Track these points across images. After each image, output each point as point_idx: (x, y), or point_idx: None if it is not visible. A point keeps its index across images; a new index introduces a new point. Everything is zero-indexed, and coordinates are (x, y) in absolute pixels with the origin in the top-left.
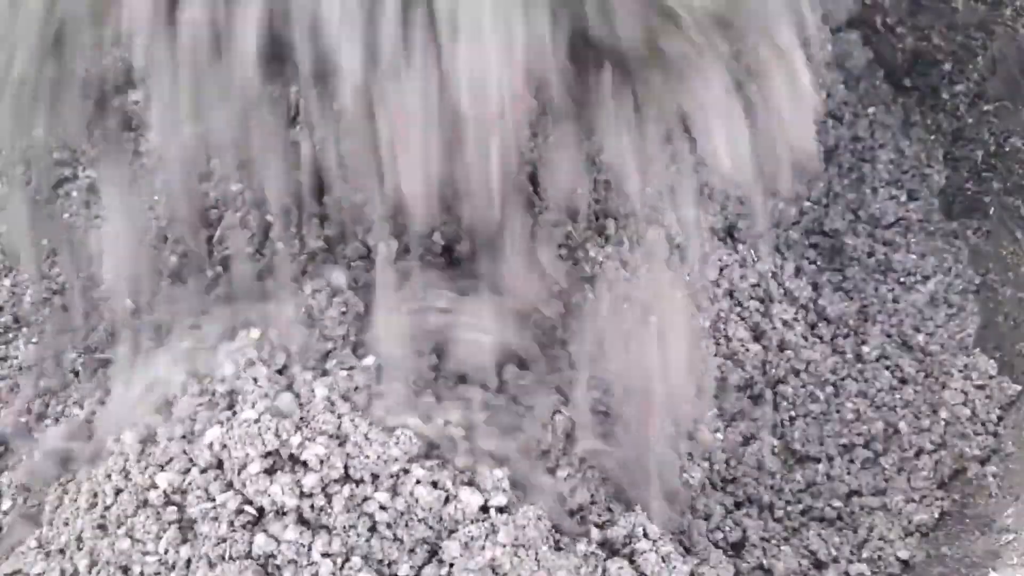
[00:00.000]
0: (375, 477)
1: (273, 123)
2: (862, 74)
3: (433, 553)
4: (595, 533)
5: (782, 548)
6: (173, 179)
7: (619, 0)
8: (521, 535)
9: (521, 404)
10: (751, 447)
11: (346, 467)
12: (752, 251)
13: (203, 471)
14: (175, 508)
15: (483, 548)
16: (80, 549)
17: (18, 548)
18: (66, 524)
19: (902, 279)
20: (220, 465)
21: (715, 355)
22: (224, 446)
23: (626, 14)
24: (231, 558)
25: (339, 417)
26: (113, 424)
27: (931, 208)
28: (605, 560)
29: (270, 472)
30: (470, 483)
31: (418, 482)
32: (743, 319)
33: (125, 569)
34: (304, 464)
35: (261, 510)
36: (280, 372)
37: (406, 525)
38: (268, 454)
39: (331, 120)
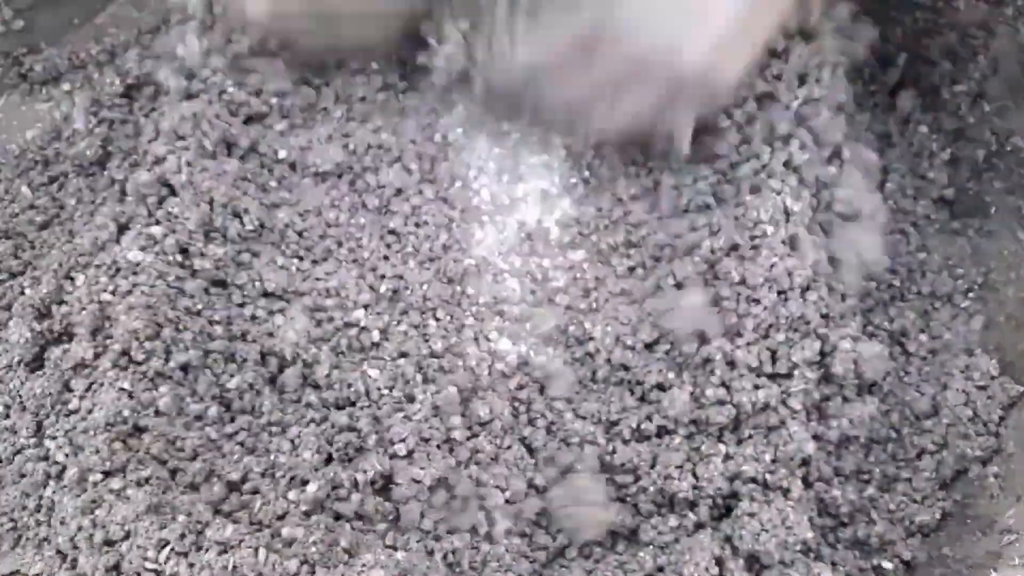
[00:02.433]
0: None
1: None
2: (864, 72)
3: None
4: None
5: None
6: None
7: None
8: None
9: None
10: None
11: None
12: None
13: None
14: None
15: None
16: (78, 549)
17: (17, 548)
18: (63, 524)
19: (904, 278)
20: None
21: None
22: None
23: None
24: None
25: None
26: None
27: (933, 207)
28: None
29: None
30: None
31: None
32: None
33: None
34: None
35: None
36: None
37: None
38: None
39: None
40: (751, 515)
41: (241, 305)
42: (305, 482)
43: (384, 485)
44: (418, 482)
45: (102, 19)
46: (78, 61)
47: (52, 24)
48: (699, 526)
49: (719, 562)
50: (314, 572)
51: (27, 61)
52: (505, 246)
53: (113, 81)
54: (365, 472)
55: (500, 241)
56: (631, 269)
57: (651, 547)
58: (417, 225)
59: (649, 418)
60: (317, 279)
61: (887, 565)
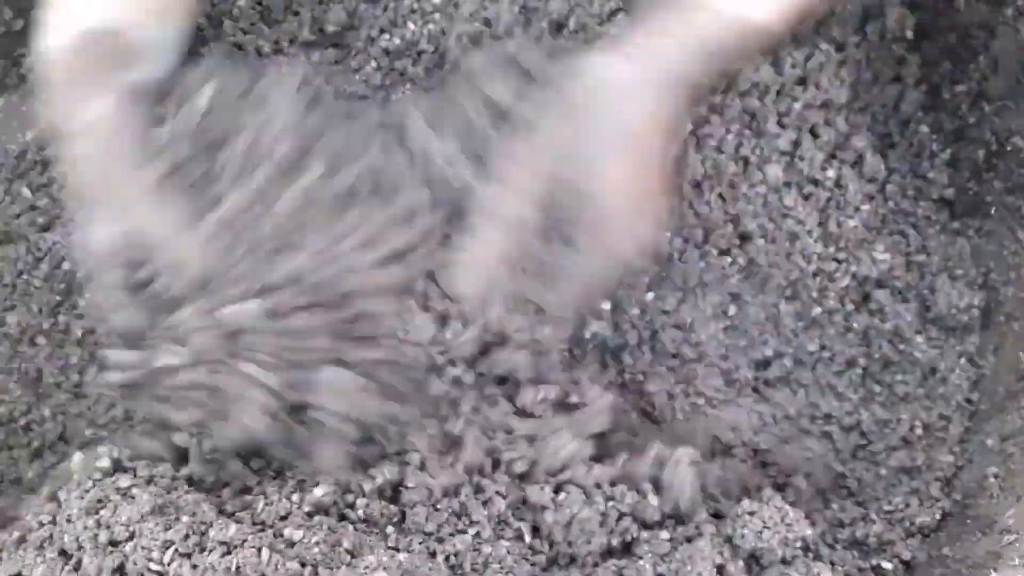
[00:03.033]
0: None
1: None
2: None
3: None
4: None
5: None
6: None
7: None
8: None
9: None
10: None
11: None
12: None
13: None
14: None
15: None
16: (83, 549)
17: (19, 550)
18: (69, 521)
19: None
20: None
21: None
22: None
23: None
24: None
25: None
26: None
27: (933, 208)
28: None
29: None
30: None
31: None
32: None
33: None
34: None
35: None
36: None
37: None
38: None
39: None
40: (751, 513)
41: None
42: (315, 484)
43: (392, 490)
44: (429, 489)
45: None
46: None
47: None
48: (698, 526)
49: (720, 569)
50: (317, 573)
51: (27, 62)
52: None
53: None
54: (374, 479)
55: None
56: None
57: (651, 555)
58: None
59: None
60: None
61: (887, 565)
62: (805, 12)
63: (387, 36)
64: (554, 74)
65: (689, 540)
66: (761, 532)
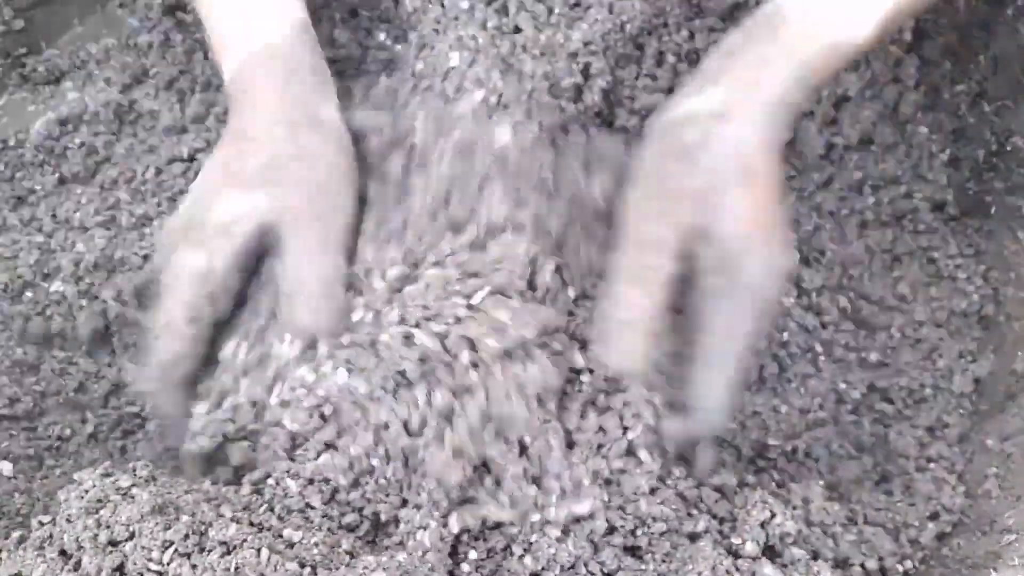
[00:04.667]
0: None
1: None
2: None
3: None
4: None
5: None
6: None
7: None
8: None
9: None
10: None
11: None
12: None
13: None
14: None
15: None
16: (83, 549)
17: (19, 550)
18: (69, 521)
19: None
20: None
21: None
22: None
23: None
24: None
25: None
26: None
27: (932, 208)
28: None
29: None
30: None
31: None
32: None
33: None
34: None
35: None
36: None
37: None
38: None
39: None
40: (752, 512)
41: None
42: None
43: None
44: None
45: (96, 20)
46: (78, 61)
47: (52, 24)
48: (698, 526)
49: (720, 569)
50: (316, 574)
51: (28, 62)
52: None
53: (110, 78)
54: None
55: None
56: None
57: (651, 555)
58: None
59: None
60: None
61: (887, 565)
62: (894, 24)
63: None
64: (653, 126)
65: (690, 540)
66: (762, 531)
